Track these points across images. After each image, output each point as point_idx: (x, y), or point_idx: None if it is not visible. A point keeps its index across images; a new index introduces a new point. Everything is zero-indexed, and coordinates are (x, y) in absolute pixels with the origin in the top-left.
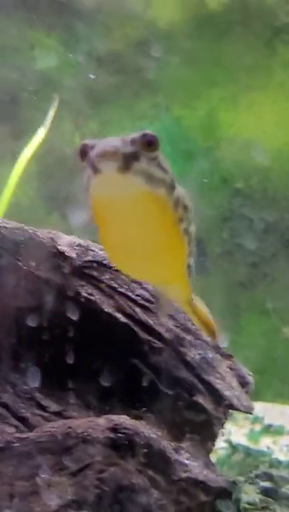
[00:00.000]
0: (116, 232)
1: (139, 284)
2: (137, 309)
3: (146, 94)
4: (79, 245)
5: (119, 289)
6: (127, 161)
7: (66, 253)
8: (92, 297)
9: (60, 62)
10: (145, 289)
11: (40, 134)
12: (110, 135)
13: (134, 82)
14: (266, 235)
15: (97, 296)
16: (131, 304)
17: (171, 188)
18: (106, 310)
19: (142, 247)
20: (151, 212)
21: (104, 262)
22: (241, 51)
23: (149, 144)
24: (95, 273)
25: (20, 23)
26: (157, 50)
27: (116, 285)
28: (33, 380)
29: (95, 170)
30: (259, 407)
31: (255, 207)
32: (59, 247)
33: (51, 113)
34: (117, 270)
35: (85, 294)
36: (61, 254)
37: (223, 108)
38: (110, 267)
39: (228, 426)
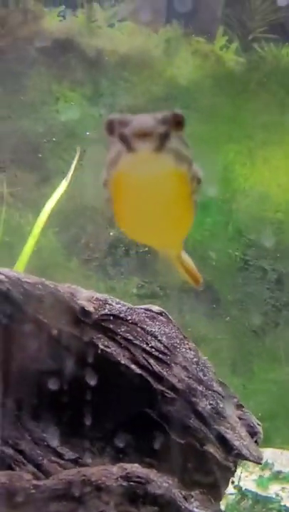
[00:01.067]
0: (133, 205)
1: (154, 336)
2: (151, 360)
3: None
4: (97, 299)
5: (135, 341)
6: (161, 140)
7: (85, 308)
8: (108, 349)
9: (84, 115)
10: (160, 341)
11: (63, 186)
12: None
13: None
14: (279, 285)
15: (113, 348)
16: (145, 355)
17: (191, 163)
18: (122, 361)
19: (156, 217)
20: (173, 188)
21: (121, 315)
22: (257, 109)
23: (179, 123)
24: (111, 326)
25: (48, 79)
26: (177, 106)
27: (132, 337)
28: (52, 436)
29: (130, 148)
30: (269, 453)
31: (268, 258)
32: (78, 302)
33: (73, 167)
34: (133, 323)
35: (102, 347)
36: (80, 309)
37: (239, 162)
38: (127, 320)
39: (238, 471)
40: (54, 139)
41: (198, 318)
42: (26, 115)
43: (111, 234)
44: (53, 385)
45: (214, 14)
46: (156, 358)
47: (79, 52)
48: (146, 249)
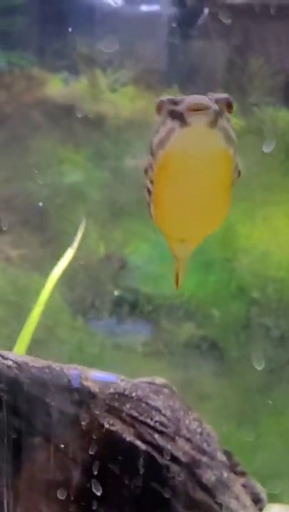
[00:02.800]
0: (178, 190)
1: (159, 410)
2: (156, 435)
3: None
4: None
5: (140, 418)
6: (216, 117)
7: (91, 388)
8: (113, 427)
9: (87, 177)
10: (164, 415)
11: (69, 254)
12: (133, 245)
13: None
14: (282, 341)
15: (118, 426)
16: (150, 430)
17: (236, 151)
18: (127, 439)
19: (199, 202)
20: (219, 169)
21: (126, 392)
22: (257, 170)
23: (230, 105)
24: (116, 404)
25: (53, 142)
26: None
27: (136, 414)
28: None
29: (184, 123)
30: (276, 510)
31: (271, 315)
32: (84, 383)
33: (79, 235)
34: (138, 399)
35: (107, 426)
36: (86, 390)
37: (240, 222)
38: (131, 397)
39: None
40: (58, 201)
41: (203, 375)
42: (31, 177)
43: (116, 293)
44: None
45: (214, 78)
46: (161, 433)
47: (82, 116)
48: (151, 308)
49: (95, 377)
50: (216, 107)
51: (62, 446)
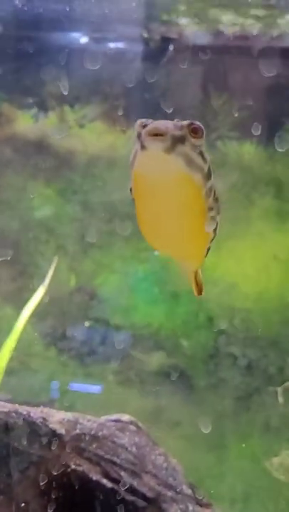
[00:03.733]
0: (151, 208)
1: (125, 448)
2: (122, 473)
3: (136, 239)
4: (68, 421)
5: (106, 456)
6: (174, 142)
7: (57, 431)
8: (80, 467)
9: (58, 211)
10: (130, 452)
11: (41, 292)
12: (103, 276)
13: (125, 229)
14: (249, 370)
15: (85, 466)
16: (116, 468)
17: (207, 177)
18: (94, 478)
19: (172, 226)
20: (185, 194)
21: (92, 432)
22: (222, 203)
23: (196, 131)
24: (82, 444)
25: (24, 177)
26: None
27: (103, 453)
28: None
29: (143, 146)
30: None
31: (238, 345)
32: (50, 426)
33: (50, 273)
34: (104, 438)
35: (74, 466)
36: (52, 432)
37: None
38: (97, 436)
39: None
40: (30, 235)
41: (173, 403)
42: (2, 212)
43: (87, 324)
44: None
45: (179, 114)
46: (127, 470)
47: (52, 151)
48: (121, 338)
49: (61, 419)
50: (177, 132)
51: (29, 489)
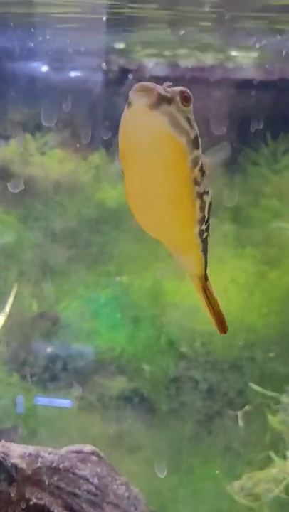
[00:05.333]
0: (136, 174)
1: (86, 479)
2: (84, 505)
3: (98, 265)
4: (29, 454)
5: (67, 489)
6: (159, 100)
7: (18, 465)
8: (41, 501)
9: (19, 237)
10: (91, 483)
11: (1, 320)
12: (65, 302)
13: (87, 256)
14: (210, 394)
15: (46, 499)
16: (78, 500)
17: (193, 144)
18: (55, 511)
19: (156, 197)
20: (168, 158)
21: (53, 465)
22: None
23: (186, 100)
24: (43, 477)
25: None
26: (107, 227)
27: (64, 485)
28: None
29: (129, 104)
30: None
31: (199, 369)
32: (11, 461)
33: (10, 300)
34: (65, 470)
35: (35, 500)
36: (13, 467)
37: (167, 278)
38: (59, 468)
39: None
40: None
41: (135, 427)
42: None
43: (49, 350)
44: None
45: None
46: (89, 501)
47: (13, 179)
48: (83, 363)
49: (22, 453)
50: (164, 92)
51: None
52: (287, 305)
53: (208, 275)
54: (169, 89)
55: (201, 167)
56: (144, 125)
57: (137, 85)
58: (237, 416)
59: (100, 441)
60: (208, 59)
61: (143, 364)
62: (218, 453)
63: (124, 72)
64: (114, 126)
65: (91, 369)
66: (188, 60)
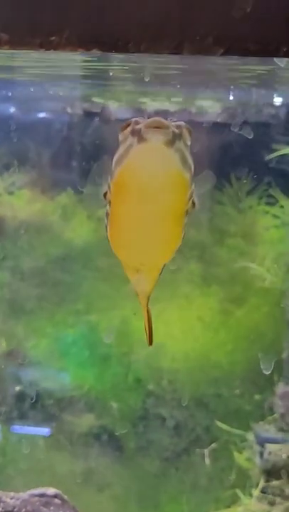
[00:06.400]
0: (134, 206)
1: None
2: None
3: (66, 304)
4: None
5: None
6: (174, 138)
7: None
8: None
9: None
10: None
11: None
12: (33, 340)
13: (55, 294)
14: (177, 431)
15: None
16: None
17: (192, 179)
18: None
19: (150, 227)
20: (173, 192)
21: (15, 510)
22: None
23: (189, 132)
24: None
25: None
26: (75, 266)
27: None
28: None
29: (142, 139)
30: None
31: (166, 406)
32: None
33: None
34: None
35: None
36: None
37: (134, 317)
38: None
39: None
40: None
41: (103, 464)
42: None
43: (17, 389)
44: None
45: (104, 180)
46: None
47: None
48: (52, 401)
49: None
50: (175, 129)
51: None
52: (253, 343)
53: (175, 313)
54: (177, 123)
55: (193, 199)
56: (160, 162)
57: (150, 121)
58: (204, 453)
59: (69, 479)
60: (172, 105)
61: (111, 402)
62: (186, 490)
63: (88, 115)
64: (79, 167)
65: (59, 407)
66: (152, 104)
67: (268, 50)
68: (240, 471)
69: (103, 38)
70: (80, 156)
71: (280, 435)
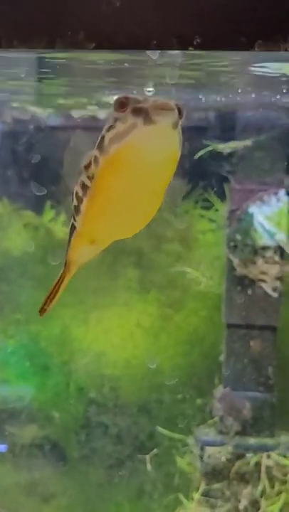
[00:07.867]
0: (126, 181)
1: None
2: None
3: (5, 314)
4: None
5: None
6: (178, 119)
7: None
8: None
9: None
10: None
11: None
12: None
13: None
14: (119, 438)
15: None
16: None
17: None
18: None
19: (139, 198)
20: (168, 170)
21: None
22: (86, 275)
23: (180, 111)
24: None
25: None
26: (12, 275)
27: None
28: None
29: (150, 120)
30: None
31: (108, 413)
32: None
33: None
34: None
35: None
36: None
37: (74, 325)
38: None
39: None
40: None
41: (47, 475)
42: None
43: None
44: None
45: (42, 190)
46: None
47: None
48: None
49: None
50: (177, 109)
51: None
52: (193, 347)
53: (114, 320)
54: (174, 103)
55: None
56: (166, 143)
57: (158, 102)
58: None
59: (14, 490)
60: (102, 113)
61: (53, 411)
62: (131, 497)
63: (18, 122)
64: (14, 176)
65: (1, 418)
66: (82, 111)
67: (138, 43)
68: (182, 476)
69: None
70: (13, 165)
71: (219, 438)
